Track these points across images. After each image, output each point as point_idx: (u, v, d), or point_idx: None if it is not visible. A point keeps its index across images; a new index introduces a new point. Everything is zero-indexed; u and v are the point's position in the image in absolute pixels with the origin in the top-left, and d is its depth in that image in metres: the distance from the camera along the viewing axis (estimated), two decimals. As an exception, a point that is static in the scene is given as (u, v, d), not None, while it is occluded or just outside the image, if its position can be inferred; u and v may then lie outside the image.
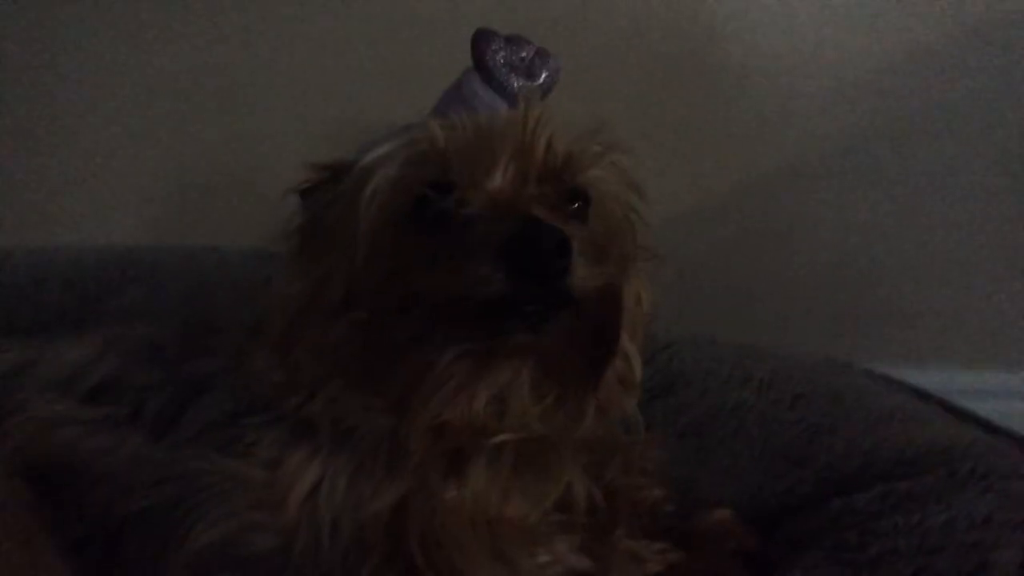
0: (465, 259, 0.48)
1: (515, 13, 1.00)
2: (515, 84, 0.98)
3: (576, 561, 0.57)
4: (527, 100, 0.63)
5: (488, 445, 0.54)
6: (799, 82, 1.32)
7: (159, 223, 1.38)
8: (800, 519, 0.65)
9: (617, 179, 0.63)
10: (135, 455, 0.58)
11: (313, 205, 0.64)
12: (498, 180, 0.57)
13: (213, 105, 1.35)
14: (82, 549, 0.56)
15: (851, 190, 1.38)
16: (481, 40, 0.97)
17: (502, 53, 0.97)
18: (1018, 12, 1.29)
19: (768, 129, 1.35)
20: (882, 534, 0.56)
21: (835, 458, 0.69)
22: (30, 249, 1.07)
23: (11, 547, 0.54)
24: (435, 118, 0.97)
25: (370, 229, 0.56)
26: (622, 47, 1.32)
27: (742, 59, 1.32)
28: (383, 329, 0.52)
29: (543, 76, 0.99)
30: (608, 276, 0.52)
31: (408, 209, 0.56)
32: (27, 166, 1.34)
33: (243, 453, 0.56)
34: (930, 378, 1.39)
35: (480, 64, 0.97)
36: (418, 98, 0.99)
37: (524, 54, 0.98)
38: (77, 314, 0.91)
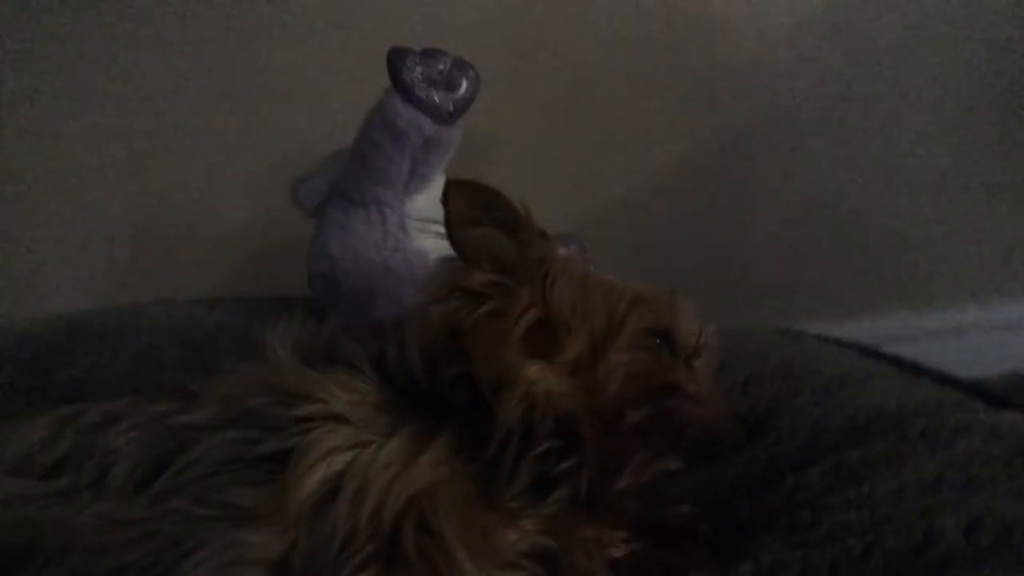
0: None
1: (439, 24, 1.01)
2: (436, 99, 0.98)
3: (542, 540, 0.59)
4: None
5: None
6: (730, 46, 1.32)
7: (105, 282, 1.38)
8: (756, 500, 0.64)
9: None
10: (104, 518, 0.56)
11: None
12: None
13: (151, 155, 1.35)
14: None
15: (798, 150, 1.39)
16: (395, 58, 0.96)
17: (419, 68, 0.96)
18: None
19: (717, 87, 1.35)
20: (833, 508, 0.56)
21: (786, 433, 0.69)
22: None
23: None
24: (361, 141, 0.98)
25: None
26: (565, 29, 1.32)
27: (683, 24, 1.32)
28: None
29: (463, 87, 0.99)
30: None
31: None
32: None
33: (235, 481, 0.56)
34: (886, 324, 1.43)
35: (398, 82, 0.96)
36: (351, 124, 0.99)
37: (441, 67, 0.98)
38: (25, 389, 0.89)
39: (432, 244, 0.95)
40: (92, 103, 1.33)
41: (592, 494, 0.62)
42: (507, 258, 0.68)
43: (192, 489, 0.56)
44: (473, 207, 0.68)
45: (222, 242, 1.40)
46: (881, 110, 1.37)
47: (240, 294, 1.17)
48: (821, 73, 1.35)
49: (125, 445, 0.61)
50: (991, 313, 1.45)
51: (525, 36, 1.32)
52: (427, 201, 1.00)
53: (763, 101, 1.36)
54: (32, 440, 0.64)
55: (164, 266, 1.38)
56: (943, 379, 0.76)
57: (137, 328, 0.98)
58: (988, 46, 1.33)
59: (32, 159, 1.33)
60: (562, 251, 0.78)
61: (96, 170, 1.35)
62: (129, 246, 1.38)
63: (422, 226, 0.98)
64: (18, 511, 0.59)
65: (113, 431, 0.62)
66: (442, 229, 0.69)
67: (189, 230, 1.37)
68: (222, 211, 1.39)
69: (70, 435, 0.64)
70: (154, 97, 1.33)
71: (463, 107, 0.96)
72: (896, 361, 0.81)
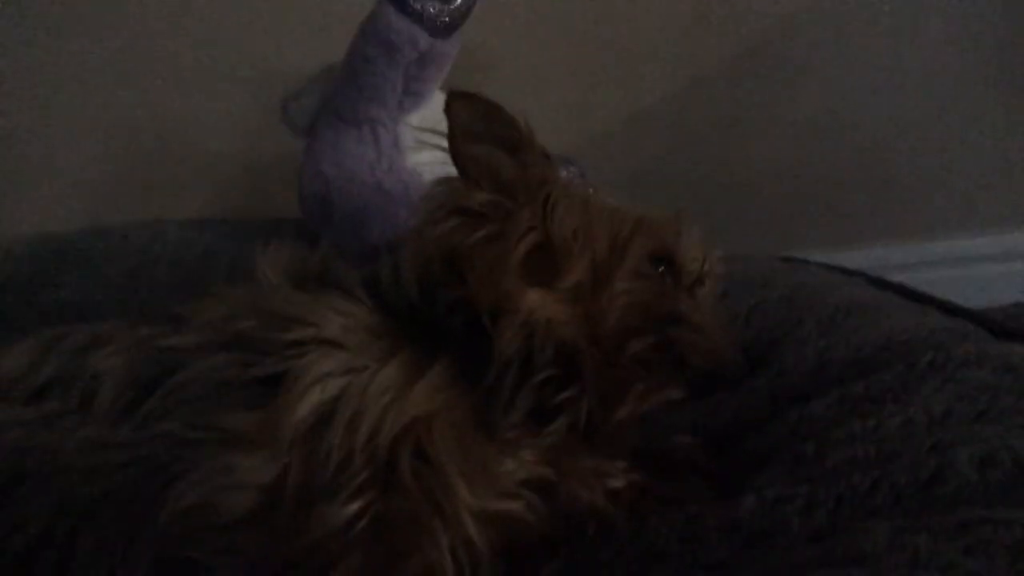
0: None
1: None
2: (431, 9, 0.93)
3: (540, 470, 0.59)
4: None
5: None
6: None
7: (95, 203, 1.35)
8: (759, 432, 0.63)
9: None
10: (90, 443, 0.55)
11: None
12: None
13: (137, 76, 1.31)
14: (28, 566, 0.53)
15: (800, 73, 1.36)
16: (390, -32, 0.92)
17: (414, -21, 0.92)
18: None
19: (698, 24, 1.31)
20: (839, 443, 0.55)
21: (790, 365, 0.68)
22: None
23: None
24: (352, 56, 0.94)
25: None
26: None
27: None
28: None
29: (459, -1, 0.94)
30: None
31: None
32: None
33: (225, 404, 0.54)
34: (892, 253, 1.42)
35: (392, -8, 0.92)
36: (341, 39, 0.96)
37: (437, -24, 0.94)
38: (12, 312, 0.88)
39: (428, 158, 0.93)
40: (76, 27, 1.29)
41: (592, 424, 0.61)
42: (508, 178, 0.66)
43: (181, 412, 0.55)
44: (476, 121, 0.66)
45: (210, 162, 1.37)
46: (867, 45, 1.33)
47: (229, 215, 1.15)
48: (806, 9, 1.30)
49: (111, 369, 0.59)
50: (998, 242, 1.43)
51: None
52: (421, 120, 0.97)
53: (764, 23, 1.32)
54: (16, 365, 0.63)
55: (152, 185, 1.36)
56: (951, 309, 0.74)
57: (125, 250, 0.96)
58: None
59: (16, 81, 1.30)
60: (562, 173, 0.75)
61: (82, 90, 1.32)
62: (116, 165, 1.36)
63: (421, 136, 0.95)
64: (3, 437, 0.58)
65: (99, 354, 0.61)
66: (441, 142, 0.67)
67: (177, 149, 1.35)
68: (210, 130, 1.36)
69: (55, 359, 0.62)
70: (139, 19, 1.30)
71: (459, 18, 0.92)
72: (903, 290, 0.79)
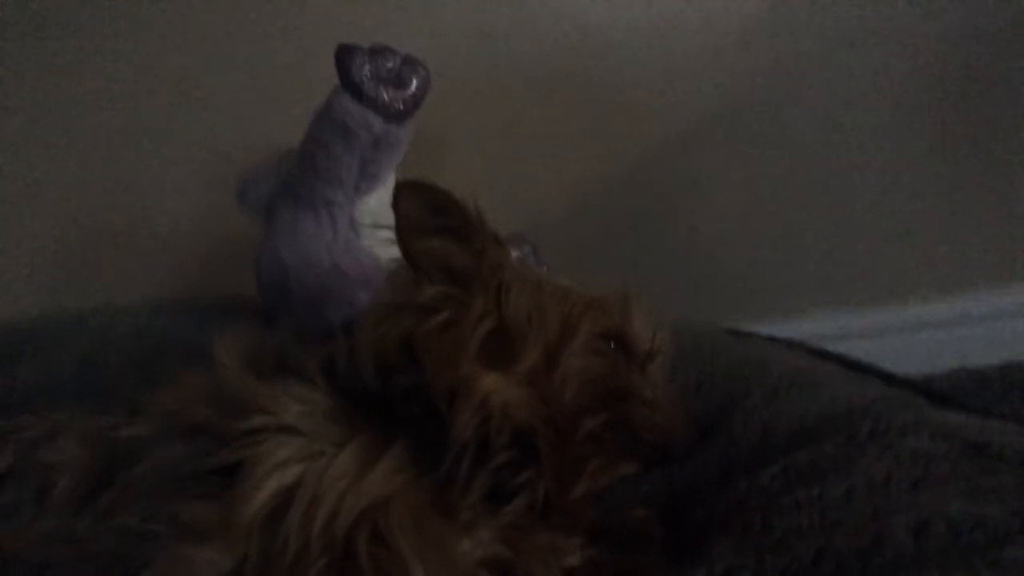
0: None
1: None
2: (385, 97, 0.96)
3: (497, 550, 0.59)
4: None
5: None
6: (673, 44, 1.33)
7: (48, 287, 1.34)
8: (710, 503, 0.65)
9: None
10: (47, 536, 0.55)
11: None
12: None
13: (90, 157, 1.32)
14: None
15: (742, 149, 1.40)
16: (345, 55, 0.94)
17: (368, 67, 0.95)
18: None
19: (648, 98, 1.36)
20: (784, 512, 0.57)
21: (738, 435, 0.70)
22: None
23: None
24: (310, 140, 0.96)
25: None
26: (512, 28, 1.32)
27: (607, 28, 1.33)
28: None
29: (413, 85, 0.97)
30: None
31: None
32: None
33: (182, 495, 0.55)
34: (832, 323, 1.46)
35: (347, 80, 0.95)
36: (302, 122, 0.98)
37: (391, 64, 0.96)
38: (-32, 401, 0.86)
39: (382, 247, 0.95)
40: (38, 103, 1.29)
41: (549, 502, 0.61)
42: (460, 266, 0.67)
43: (139, 505, 0.55)
44: (425, 212, 0.67)
45: (169, 242, 1.37)
46: (820, 113, 1.39)
47: (187, 297, 1.15)
48: (764, 75, 1.36)
49: (69, 460, 0.60)
50: (937, 309, 1.48)
51: (473, 33, 1.31)
52: (378, 201, 0.98)
53: (707, 105, 1.37)
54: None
55: (105, 268, 1.35)
56: (889, 378, 0.77)
57: (80, 335, 0.96)
58: (930, 44, 1.35)
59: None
60: (514, 253, 0.77)
61: (41, 171, 1.32)
62: (75, 247, 1.35)
63: (373, 230, 0.97)
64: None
65: (55, 446, 0.61)
66: (392, 234, 0.68)
67: (135, 230, 1.34)
68: (169, 211, 1.36)
69: (11, 450, 0.62)
70: (101, 97, 1.30)
71: (413, 105, 0.94)
72: (843, 361, 0.82)
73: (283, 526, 0.53)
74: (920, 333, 1.47)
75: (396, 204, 0.67)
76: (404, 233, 0.67)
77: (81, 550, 0.53)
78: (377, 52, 0.93)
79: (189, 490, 0.55)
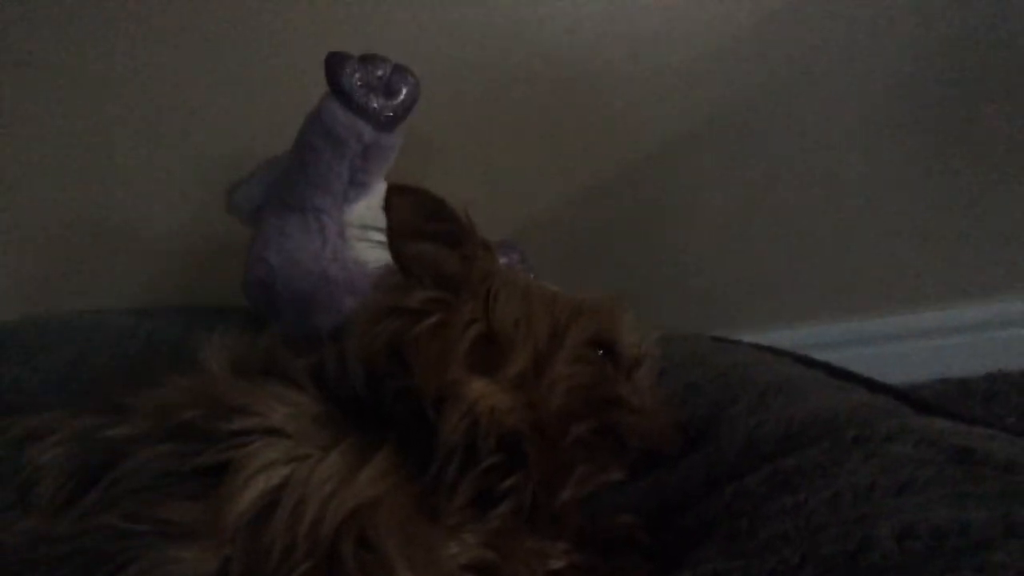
0: None
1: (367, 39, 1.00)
2: (375, 105, 0.96)
3: (483, 553, 0.59)
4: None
5: None
6: (664, 55, 1.34)
7: (32, 292, 1.34)
8: (696, 509, 0.65)
9: None
10: (30, 536, 0.54)
11: None
12: None
13: (76, 161, 1.32)
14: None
15: (730, 158, 1.41)
16: (335, 63, 0.95)
17: (358, 75, 0.95)
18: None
19: (638, 107, 1.37)
20: (770, 517, 0.57)
21: (724, 442, 0.70)
22: None
23: None
24: (299, 147, 0.97)
25: None
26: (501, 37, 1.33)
27: (599, 37, 1.33)
28: None
29: (403, 93, 0.98)
30: None
31: None
32: None
33: (167, 495, 0.54)
34: (817, 331, 1.47)
35: (337, 88, 0.95)
36: (290, 128, 0.98)
37: (381, 72, 0.97)
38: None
39: (372, 254, 0.95)
40: (24, 105, 1.29)
41: (535, 507, 0.62)
42: (449, 272, 0.67)
43: (123, 504, 0.55)
44: (415, 217, 0.67)
45: (156, 248, 1.37)
46: (807, 126, 1.40)
47: (174, 302, 1.15)
48: (754, 87, 1.37)
49: (53, 460, 0.59)
50: (920, 319, 1.49)
51: (465, 42, 1.31)
52: (367, 208, 0.99)
53: (695, 111, 1.38)
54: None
55: (98, 270, 1.35)
56: (874, 386, 0.77)
57: (66, 340, 0.95)
58: (921, 54, 1.36)
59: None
60: (503, 260, 0.77)
61: (28, 174, 1.31)
62: (62, 250, 1.35)
63: (362, 235, 0.97)
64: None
65: (39, 446, 0.60)
66: (383, 238, 0.68)
67: (123, 235, 1.34)
68: (157, 215, 1.36)
69: None
70: (89, 100, 1.30)
71: (403, 113, 0.95)
72: (829, 369, 0.83)
73: (269, 528, 0.53)
74: (905, 343, 1.49)
75: (388, 208, 0.67)
76: (395, 237, 0.68)
77: (64, 549, 0.53)
78: (367, 60, 0.93)
79: (174, 490, 0.55)
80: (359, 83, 0.92)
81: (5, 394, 0.83)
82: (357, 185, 0.98)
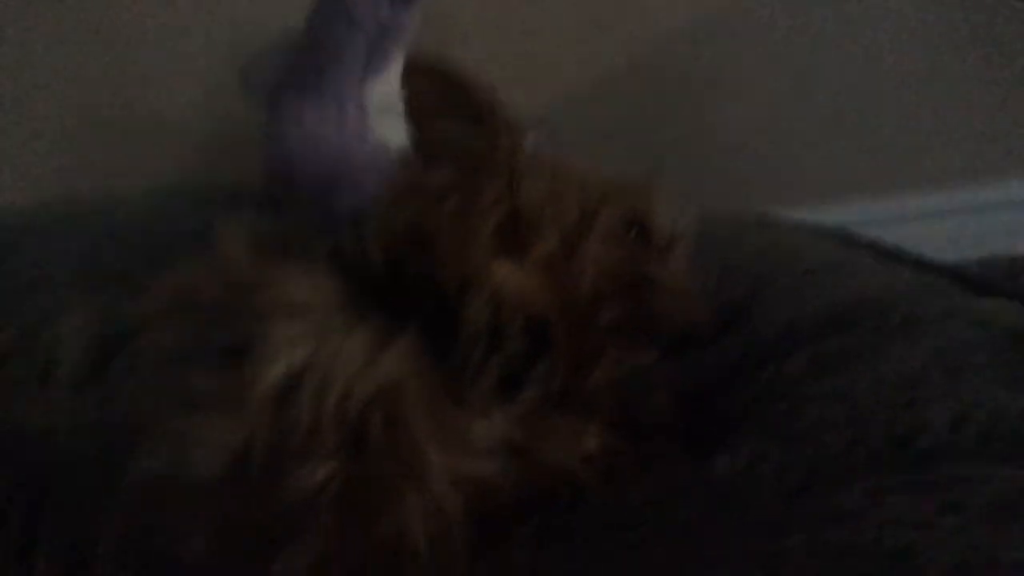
0: None
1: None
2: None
3: (512, 434, 0.58)
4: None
5: None
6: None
7: (49, 175, 1.32)
8: (732, 392, 0.62)
9: None
10: (50, 410, 0.54)
11: None
12: None
13: (94, 41, 1.29)
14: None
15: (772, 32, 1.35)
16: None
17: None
18: None
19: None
20: (812, 401, 0.54)
21: (762, 324, 0.67)
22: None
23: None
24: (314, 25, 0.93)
25: None
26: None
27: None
28: None
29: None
30: None
31: None
32: None
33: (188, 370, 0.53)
34: (862, 209, 1.42)
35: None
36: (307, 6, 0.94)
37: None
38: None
39: (391, 133, 0.92)
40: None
41: (565, 391, 0.60)
42: (472, 151, 0.64)
43: (144, 378, 0.54)
44: (436, 94, 0.64)
45: (172, 129, 1.34)
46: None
47: (190, 185, 1.13)
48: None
49: (71, 335, 0.58)
50: (968, 196, 1.44)
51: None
52: (387, 85, 0.95)
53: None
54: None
55: (109, 154, 1.32)
56: (924, 265, 0.74)
57: (84, 225, 0.93)
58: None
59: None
60: (530, 139, 0.74)
61: (40, 56, 1.29)
62: (75, 133, 1.33)
63: (381, 116, 0.94)
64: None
65: (58, 322, 0.59)
66: (402, 119, 0.65)
67: (137, 117, 1.32)
68: (172, 97, 1.33)
69: (14, 327, 0.62)
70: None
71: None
72: (875, 248, 0.79)
73: (293, 404, 0.52)
74: (948, 220, 1.44)
75: (406, 86, 0.64)
76: (414, 116, 0.65)
77: (84, 423, 0.53)
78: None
79: (196, 365, 0.54)
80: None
81: (24, 276, 0.81)
82: (376, 62, 0.96)
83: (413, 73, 0.64)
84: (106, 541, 0.50)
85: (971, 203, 1.44)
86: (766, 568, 0.40)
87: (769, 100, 1.39)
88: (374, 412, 0.53)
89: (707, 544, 0.45)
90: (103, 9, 1.28)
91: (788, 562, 0.40)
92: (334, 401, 0.52)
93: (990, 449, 0.45)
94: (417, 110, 0.64)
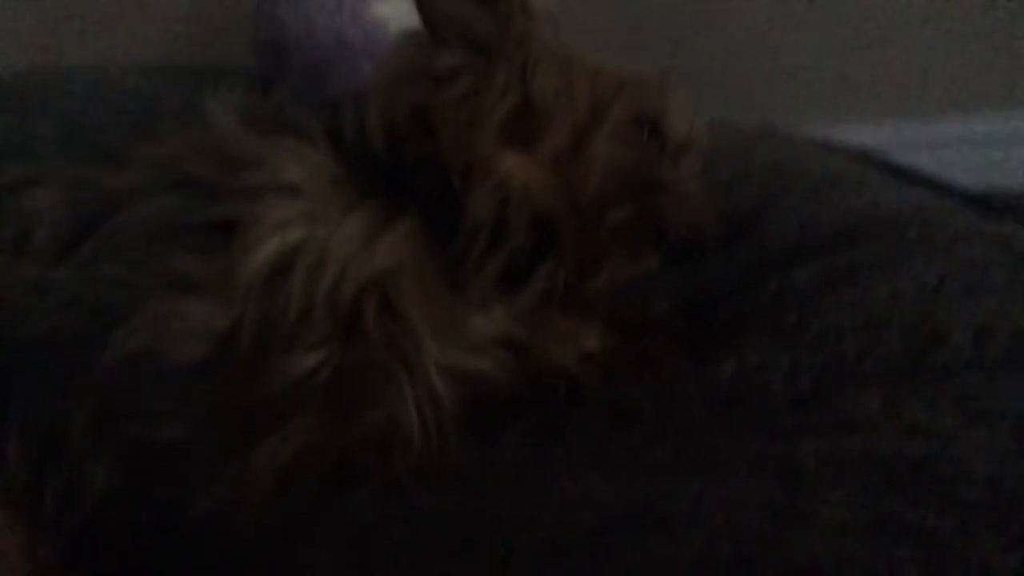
0: None
1: None
2: None
3: (512, 329, 0.57)
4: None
5: None
6: None
7: (30, 46, 1.24)
8: (737, 300, 0.61)
9: None
10: (26, 283, 0.51)
11: None
12: None
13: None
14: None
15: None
16: None
17: None
18: None
19: None
20: (823, 311, 0.53)
21: (771, 234, 0.65)
22: None
23: None
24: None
25: None
26: None
27: None
28: None
29: None
30: None
31: None
32: None
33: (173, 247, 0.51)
34: (878, 132, 1.38)
35: None
36: None
37: None
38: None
39: (393, 11, 0.87)
40: None
41: (567, 290, 0.59)
42: (482, 34, 0.61)
43: (124, 254, 0.52)
44: None
45: (159, 6, 1.27)
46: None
47: (181, 62, 1.07)
48: None
49: (47, 207, 0.54)
50: (983, 124, 1.40)
51: None
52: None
53: None
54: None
55: (91, 28, 1.26)
56: (939, 187, 0.71)
57: (66, 92, 0.88)
58: None
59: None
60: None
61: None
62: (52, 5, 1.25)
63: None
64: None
65: (35, 192, 0.56)
66: (405, -1, 0.61)
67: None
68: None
69: None
70: None
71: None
72: (889, 167, 0.76)
73: (284, 288, 0.50)
74: (978, 147, 1.40)
75: None
76: None
77: (60, 299, 0.50)
78: None
79: (180, 243, 0.51)
80: None
81: (2, 144, 0.77)
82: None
83: None
84: (80, 422, 0.48)
85: (996, 130, 1.41)
86: (781, 476, 0.38)
87: (792, 6, 1.34)
88: (369, 298, 0.51)
89: (713, 446, 0.44)
90: None
91: (802, 468, 0.38)
92: (327, 285, 0.50)
93: (1015, 365, 0.43)
94: None
